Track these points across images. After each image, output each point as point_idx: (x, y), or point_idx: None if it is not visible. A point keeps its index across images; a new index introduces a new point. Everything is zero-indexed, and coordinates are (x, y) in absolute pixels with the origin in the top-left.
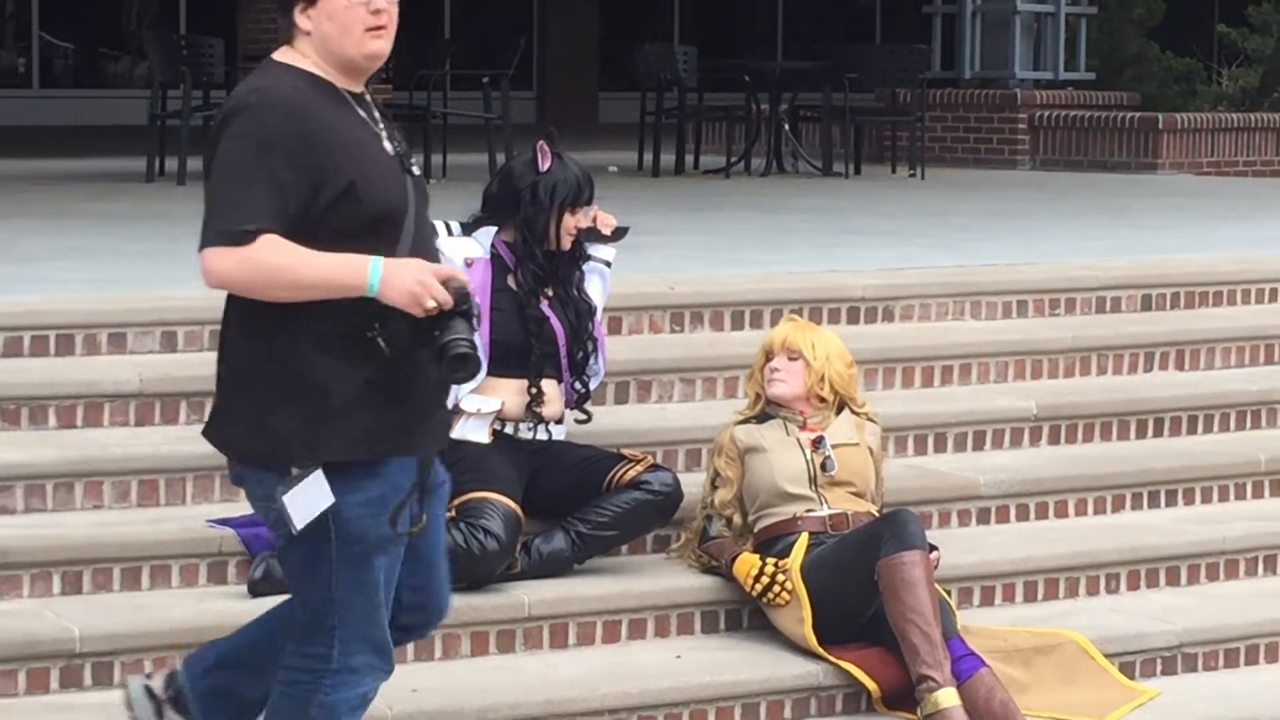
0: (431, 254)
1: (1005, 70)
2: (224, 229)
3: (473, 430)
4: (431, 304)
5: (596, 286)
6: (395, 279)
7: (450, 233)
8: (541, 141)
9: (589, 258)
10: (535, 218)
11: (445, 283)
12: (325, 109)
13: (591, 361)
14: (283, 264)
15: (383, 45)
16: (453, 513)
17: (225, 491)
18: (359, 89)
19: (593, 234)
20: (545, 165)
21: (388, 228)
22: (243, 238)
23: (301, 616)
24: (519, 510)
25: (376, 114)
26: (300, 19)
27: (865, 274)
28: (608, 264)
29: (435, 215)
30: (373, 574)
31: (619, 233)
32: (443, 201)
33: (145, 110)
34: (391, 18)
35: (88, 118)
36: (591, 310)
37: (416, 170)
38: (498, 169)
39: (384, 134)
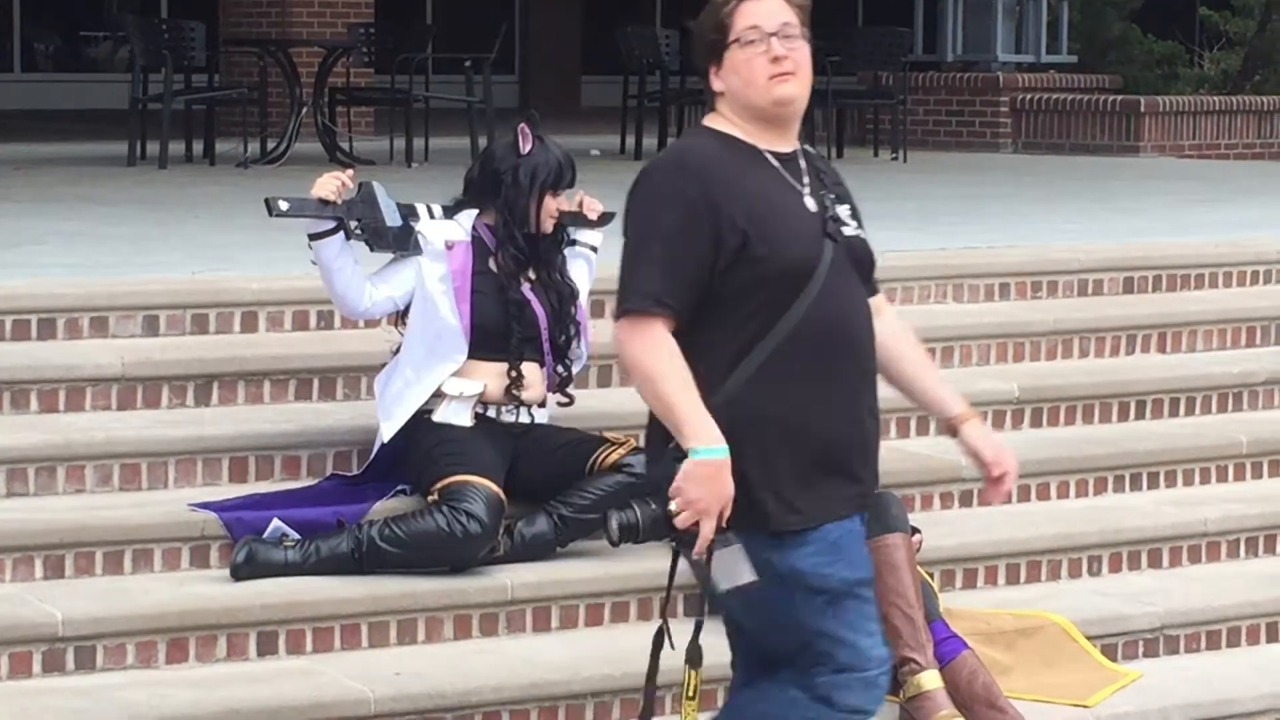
0: (858, 334)
1: (987, 53)
2: (622, 306)
3: (454, 413)
4: (702, 528)
5: (582, 271)
6: (702, 481)
7: (431, 215)
8: (522, 124)
9: (573, 241)
10: (516, 200)
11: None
12: (730, 167)
13: (574, 345)
14: (646, 368)
15: (790, 89)
16: (435, 496)
17: (207, 476)
18: (788, 147)
19: (578, 219)
20: (526, 148)
21: (786, 287)
22: (634, 314)
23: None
24: (501, 493)
25: (805, 174)
26: (714, 81)
27: None
28: (594, 249)
29: (417, 199)
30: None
31: (605, 218)
32: (424, 185)
33: (127, 94)
34: (797, 62)
35: (69, 102)
36: (574, 294)
37: (851, 232)
38: (479, 152)
39: (806, 192)
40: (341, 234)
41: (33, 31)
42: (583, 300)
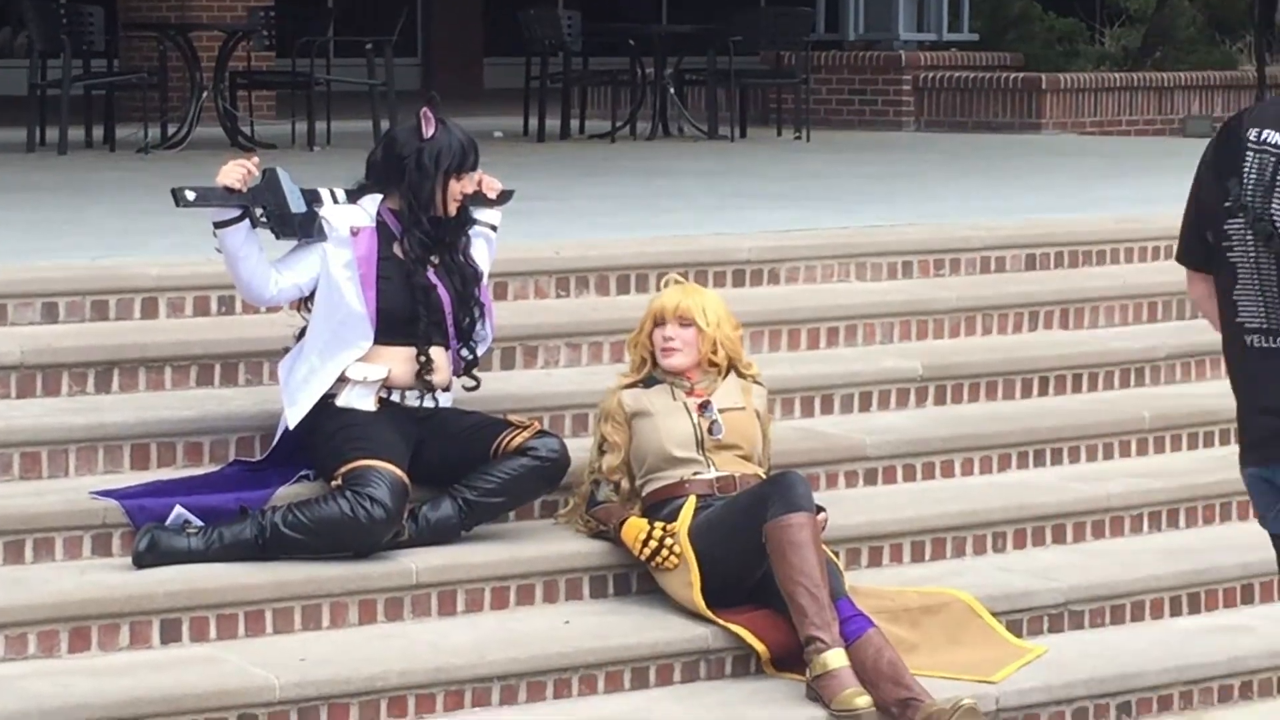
0: None
1: (889, 32)
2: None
3: (358, 398)
4: None
5: (482, 250)
6: None
7: (335, 200)
8: (424, 108)
9: (475, 222)
10: (420, 185)
11: None
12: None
13: (478, 328)
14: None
15: None
16: (338, 481)
17: (108, 463)
18: None
19: (478, 198)
20: (429, 132)
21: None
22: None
23: None
24: (405, 478)
25: None
26: None
27: (751, 236)
28: (494, 228)
29: (320, 183)
30: None
31: (504, 196)
32: (327, 168)
33: (25, 80)
34: None
35: None
36: (477, 275)
37: None
38: (382, 135)
39: None
40: (247, 222)
41: None
42: (485, 281)
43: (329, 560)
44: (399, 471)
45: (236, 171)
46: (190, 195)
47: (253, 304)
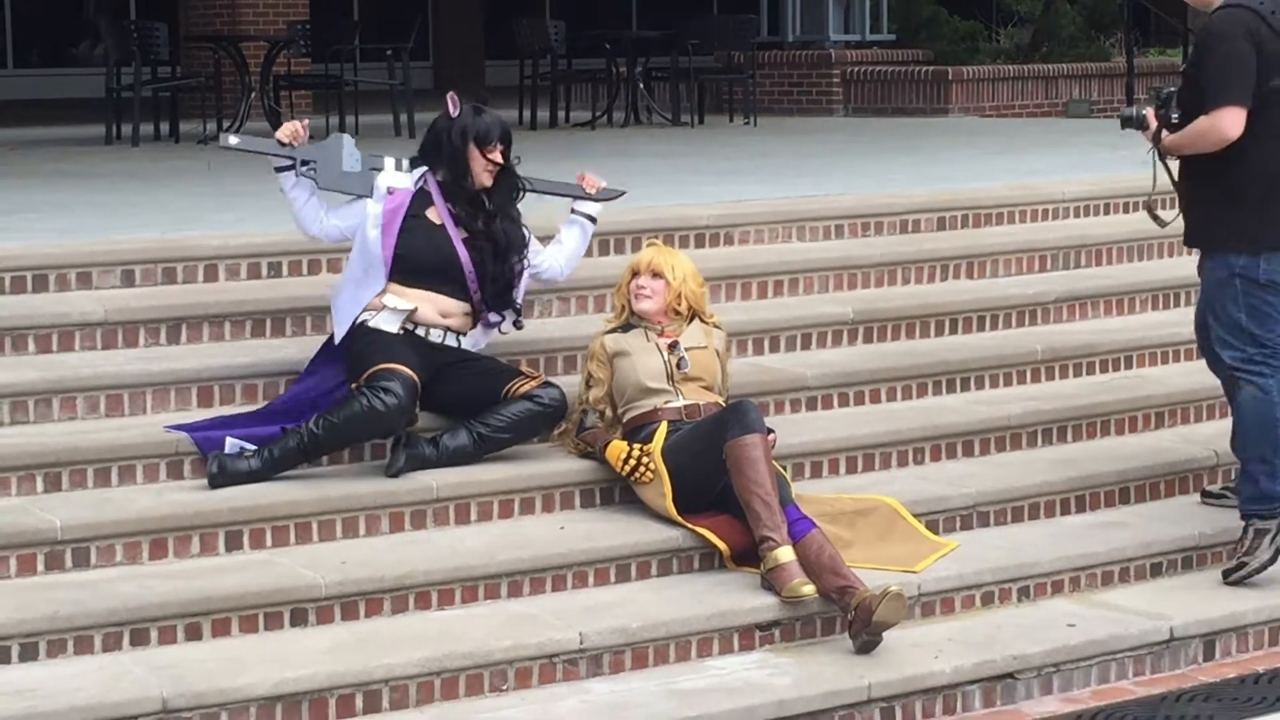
0: None
1: (821, 34)
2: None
3: (385, 321)
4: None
5: (575, 235)
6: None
7: (399, 168)
8: (451, 92)
9: (521, 193)
10: (454, 157)
11: None
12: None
13: (513, 290)
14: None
15: None
16: (359, 384)
17: (178, 402)
18: None
19: (575, 188)
20: (455, 112)
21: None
22: None
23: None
24: (416, 379)
25: None
26: None
27: (709, 206)
28: (592, 219)
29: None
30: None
31: (605, 193)
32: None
33: (103, 85)
34: None
35: (55, 93)
36: (524, 243)
37: None
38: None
39: None
40: (293, 171)
41: (23, 33)
42: (563, 265)
43: (363, 479)
44: (410, 372)
45: (289, 129)
46: (234, 140)
47: (303, 234)
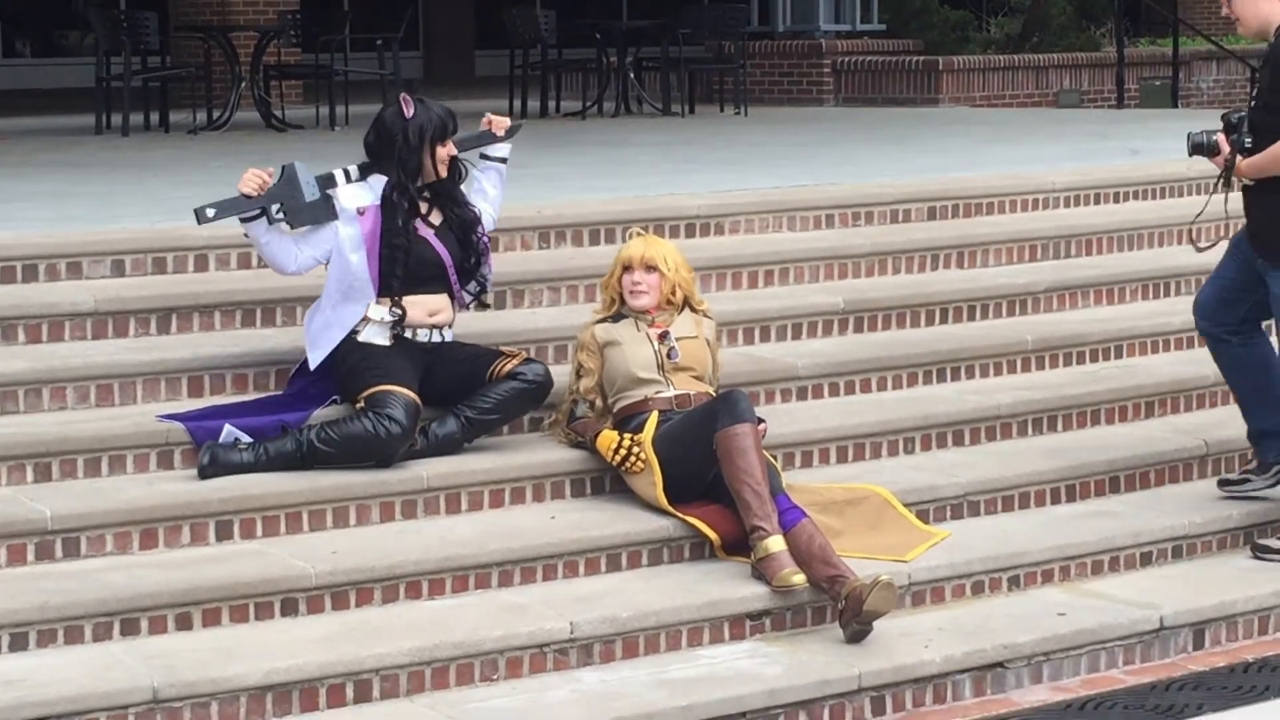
0: None
1: (812, 24)
2: None
3: (375, 335)
4: None
5: (494, 180)
6: None
7: (349, 178)
8: (404, 93)
9: (485, 156)
10: (409, 157)
11: None
12: None
13: (482, 266)
14: None
15: None
16: (361, 403)
17: (169, 392)
18: None
19: (486, 136)
20: (410, 112)
21: None
22: None
23: None
24: (417, 399)
25: None
26: None
27: (699, 196)
28: (504, 160)
29: (343, 157)
30: None
31: (511, 130)
32: (346, 145)
33: (93, 74)
34: None
35: (45, 83)
36: (477, 220)
37: None
38: (373, 121)
39: None
40: (264, 219)
41: (12, 24)
42: (494, 212)
43: (355, 469)
44: (411, 394)
45: (253, 181)
46: (210, 213)
47: (280, 273)
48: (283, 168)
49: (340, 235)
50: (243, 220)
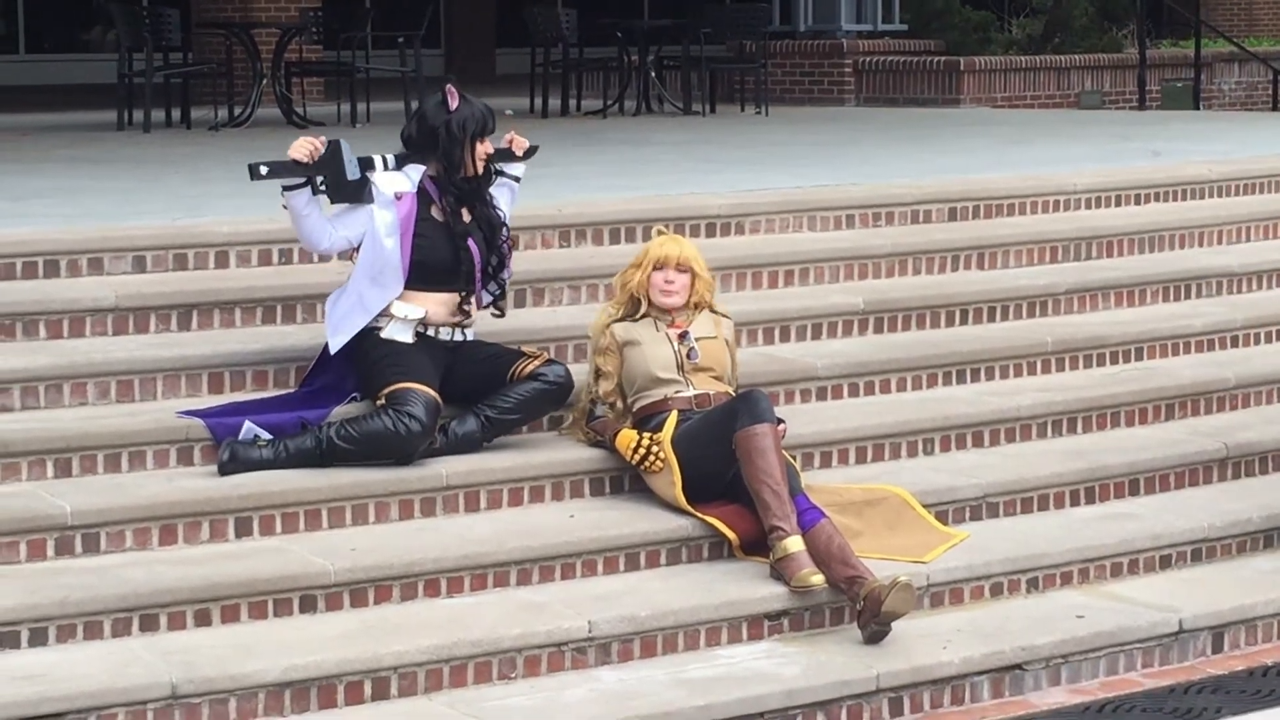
0: None
1: (833, 24)
2: None
3: (399, 332)
4: None
5: (505, 198)
6: None
7: (386, 166)
8: (449, 85)
9: (501, 173)
10: (451, 150)
11: None
12: None
13: (504, 269)
14: None
15: None
16: (382, 400)
17: (189, 388)
18: None
19: (505, 154)
20: (454, 104)
21: None
22: None
23: None
24: (438, 398)
25: None
26: None
27: (720, 195)
28: (517, 179)
29: (367, 153)
30: None
31: (529, 152)
32: (367, 142)
33: (115, 71)
34: None
35: (67, 78)
36: (502, 223)
37: None
38: (412, 113)
39: None
40: (309, 189)
41: (36, 18)
42: (507, 224)
43: (374, 467)
44: (432, 392)
45: (305, 147)
46: (264, 170)
47: (311, 252)
48: (328, 143)
49: (375, 219)
50: (286, 190)
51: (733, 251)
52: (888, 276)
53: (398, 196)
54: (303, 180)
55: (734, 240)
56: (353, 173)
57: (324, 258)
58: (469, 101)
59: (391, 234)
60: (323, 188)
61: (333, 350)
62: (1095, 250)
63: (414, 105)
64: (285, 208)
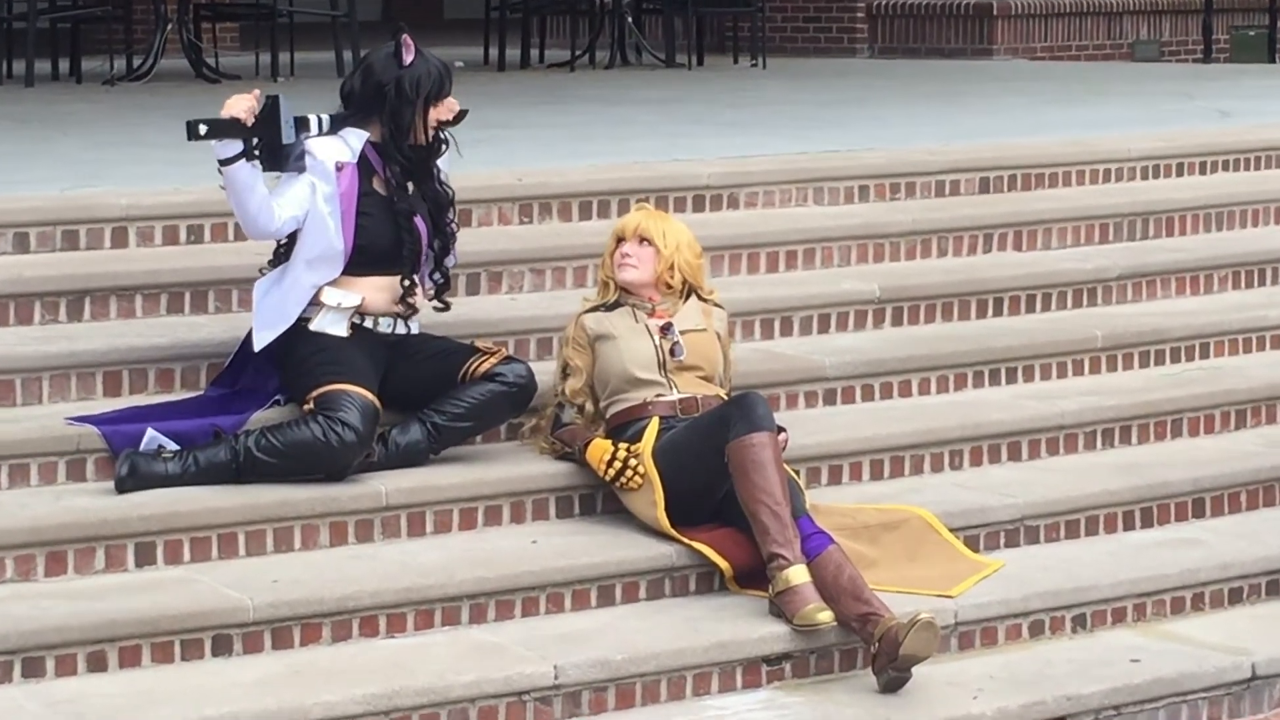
0: None
1: None
2: None
3: (331, 323)
4: None
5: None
6: None
7: (321, 127)
8: (404, 35)
9: (447, 146)
10: (401, 112)
11: None
12: None
13: (450, 252)
14: None
15: None
16: (310, 405)
17: (81, 390)
18: None
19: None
20: (409, 59)
21: None
22: None
23: None
24: (376, 402)
25: None
26: None
27: (710, 163)
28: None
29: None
30: None
31: (459, 116)
32: (291, 99)
33: None
34: None
35: None
36: (450, 200)
37: None
38: (356, 64)
39: None
40: (244, 158)
41: None
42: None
43: (300, 483)
44: (370, 395)
45: (244, 103)
46: (203, 129)
47: (256, 238)
48: (265, 98)
49: (317, 194)
50: (223, 163)
51: (724, 229)
52: (908, 259)
53: (338, 167)
54: (240, 148)
55: (725, 216)
56: (288, 136)
57: (239, 235)
58: (425, 57)
59: (332, 212)
60: (257, 153)
61: (257, 348)
62: (1153, 229)
63: (346, 56)
64: (223, 187)
